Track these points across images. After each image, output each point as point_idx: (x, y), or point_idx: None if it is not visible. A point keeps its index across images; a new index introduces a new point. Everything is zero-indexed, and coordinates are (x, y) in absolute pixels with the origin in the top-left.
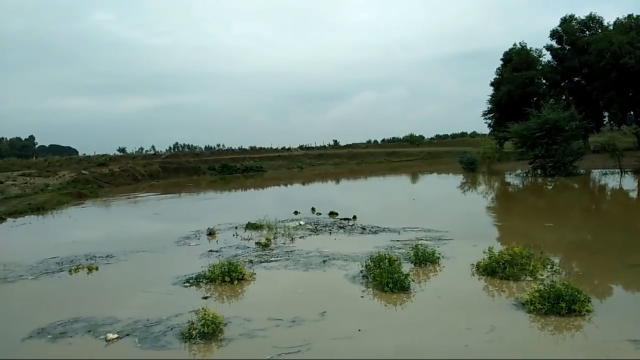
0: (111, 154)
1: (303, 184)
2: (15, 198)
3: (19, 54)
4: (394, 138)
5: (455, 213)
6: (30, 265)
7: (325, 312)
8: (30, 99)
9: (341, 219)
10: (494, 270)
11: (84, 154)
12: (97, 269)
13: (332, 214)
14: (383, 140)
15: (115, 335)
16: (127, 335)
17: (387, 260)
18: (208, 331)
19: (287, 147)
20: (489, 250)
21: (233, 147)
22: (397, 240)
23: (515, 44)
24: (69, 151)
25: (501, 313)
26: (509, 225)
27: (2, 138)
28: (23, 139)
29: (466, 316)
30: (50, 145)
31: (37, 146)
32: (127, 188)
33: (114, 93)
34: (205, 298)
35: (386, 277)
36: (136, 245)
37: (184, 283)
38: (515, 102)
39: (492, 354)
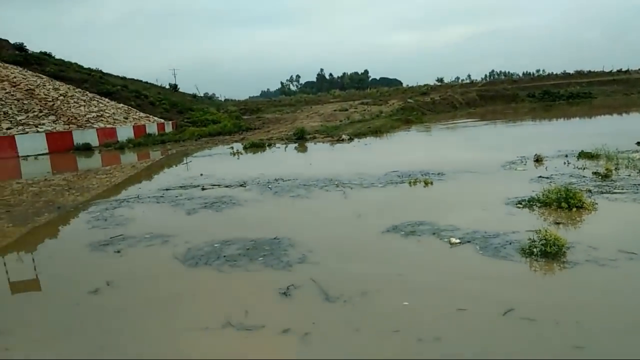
0: (431, 84)
1: None
2: (357, 123)
3: None
4: None
5: None
6: (378, 176)
7: None
8: (365, 37)
9: None
10: None
11: (407, 85)
12: (432, 183)
13: None
14: None
15: (458, 240)
16: (468, 242)
17: None
18: (551, 251)
19: (623, 69)
20: None
21: (555, 72)
22: None
23: None
24: (395, 83)
25: None
26: None
27: (344, 73)
28: (359, 73)
29: None
30: (380, 78)
31: (370, 79)
32: (446, 115)
33: (433, 25)
34: (558, 224)
35: None
36: (462, 166)
37: (516, 204)
38: None
39: None
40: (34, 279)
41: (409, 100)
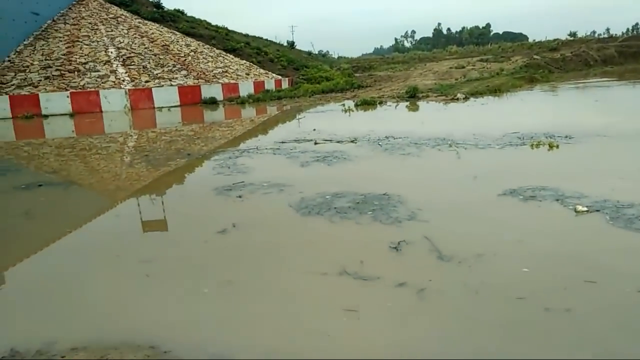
0: (562, 38)
1: None
2: (475, 81)
3: None
4: None
5: None
6: (495, 137)
7: None
8: None
9: None
10: None
11: (534, 40)
12: (557, 146)
13: None
14: None
15: (585, 208)
16: (597, 211)
17: None
18: None
19: None
20: None
21: None
22: None
23: None
24: (520, 37)
25: None
26: None
27: (464, 27)
28: (480, 27)
29: None
30: (504, 32)
31: (491, 34)
32: (577, 74)
33: None
34: None
35: None
36: (595, 129)
37: None
38: None
39: None
40: (162, 219)
41: (535, 56)
